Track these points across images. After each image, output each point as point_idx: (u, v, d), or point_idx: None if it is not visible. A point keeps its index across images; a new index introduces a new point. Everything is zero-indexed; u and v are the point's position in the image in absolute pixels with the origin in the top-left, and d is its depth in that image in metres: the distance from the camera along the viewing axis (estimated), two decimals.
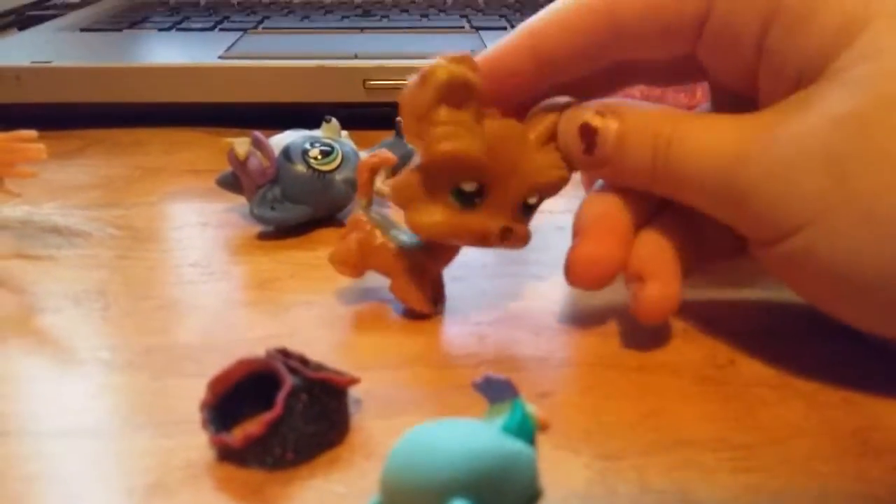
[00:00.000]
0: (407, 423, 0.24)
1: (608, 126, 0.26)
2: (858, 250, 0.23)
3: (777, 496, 0.21)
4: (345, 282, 0.33)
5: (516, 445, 0.18)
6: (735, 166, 0.24)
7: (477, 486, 0.17)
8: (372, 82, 0.53)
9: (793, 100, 0.24)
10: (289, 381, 0.22)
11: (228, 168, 0.39)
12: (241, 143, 0.37)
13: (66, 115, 0.55)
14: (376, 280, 0.34)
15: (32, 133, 0.36)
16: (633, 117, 0.26)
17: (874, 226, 0.22)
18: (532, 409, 0.19)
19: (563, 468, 0.22)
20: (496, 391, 0.20)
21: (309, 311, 0.31)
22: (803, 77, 0.24)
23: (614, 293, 0.32)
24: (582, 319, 0.30)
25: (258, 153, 0.37)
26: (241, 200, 0.40)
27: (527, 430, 0.19)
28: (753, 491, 0.21)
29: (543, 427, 0.20)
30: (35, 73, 0.54)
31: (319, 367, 0.24)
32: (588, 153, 0.27)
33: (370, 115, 0.50)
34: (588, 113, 0.27)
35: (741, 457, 0.23)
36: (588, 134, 0.26)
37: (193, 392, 0.23)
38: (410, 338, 0.29)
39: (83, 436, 0.24)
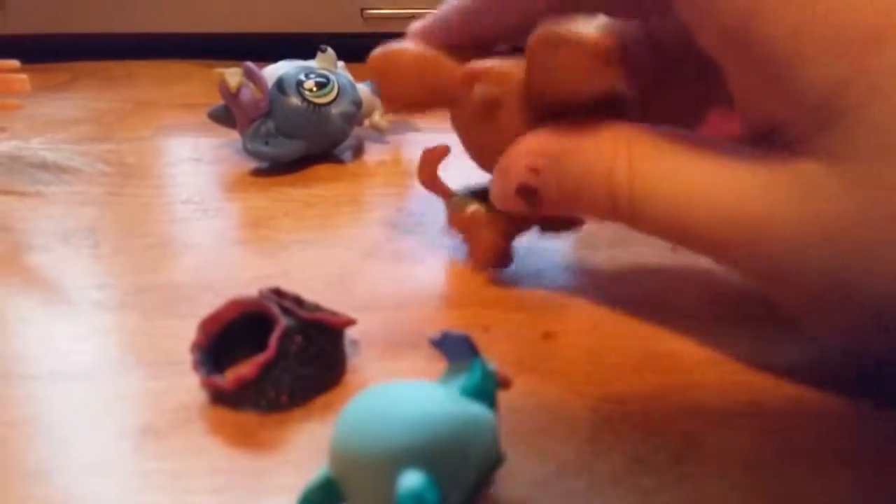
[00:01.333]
0: (405, 366, 0.23)
1: (548, 181, 0.23)
2: None
3: (787, 441, 0.20)
4: (341, 220, 0.32)
5: (474, 409, 0.17)
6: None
7: (432, 454, 0.16)
8: (370, 11, 0.51)
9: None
10: (282, 322, 0.21)
11: (221, 101, 0.38)
12: (232, 74, 0.35)
13: (54, 47, 0.53)
14: (374, 219, 0.33)
15: (14, 63, 0.34)
16: (575, 158, 0.22)
17: None
18: (493, 367, 0.18)
19: (568, 411, 0.21)
20: (455, 349, 0.18)
21: (304, 251, 0.30)
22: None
23: (619, 233, 0.31)
24: (587, 258, 0.29)
25: (250, 85, 0.36)
26: (235, 135, 0.38)
27: (487, 392, 0.18)
28: (762, 435, 0.21)
29: (506, 385, 0.19)
30: (21, 2, 0.52)
31: (314, 308, 0.23)
32: (534, 208, 0.24)
33: (368, 46, 0.48)
34: (521, 171, 0.23)
35: (751, 401, 0.22)
36: (528, 194, 0.24)
37: (186, 332, 0.22)
38: (409, 278, 0.28)
39: (73, 378, 0.23)
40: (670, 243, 0.23)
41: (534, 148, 0.23)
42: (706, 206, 0.21)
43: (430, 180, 0.28)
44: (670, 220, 0.21)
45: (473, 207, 0.27)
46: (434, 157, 0.28)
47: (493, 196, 0.25)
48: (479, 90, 0.24)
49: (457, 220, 0.28)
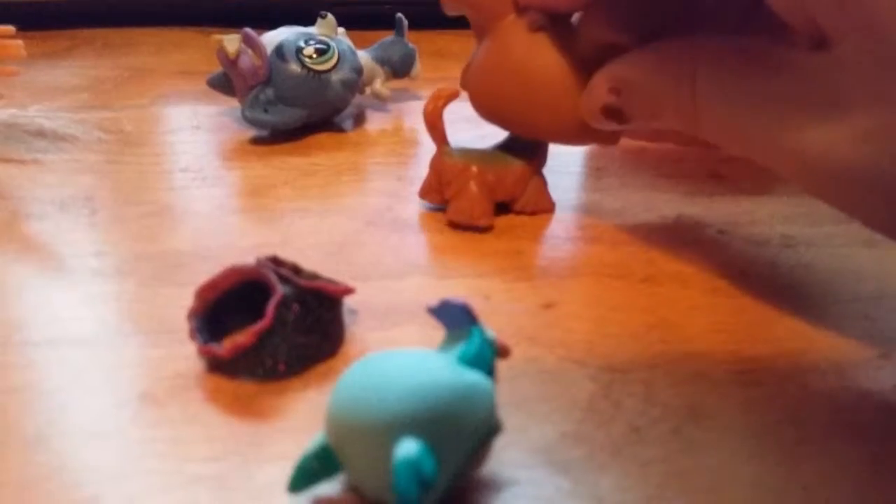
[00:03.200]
0: (404, 335, 0.23)
1: (629, 101, 0.25)
2: None
3: (787, 410, 0.20)
4: (341, 189, 0.32)
5: (472, 377, 0.17)
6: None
7: (428, 422, 0.15)
8: None
9: None
10: (279, 290, 0.21)
11: (220, 69, 0.37)
12: (230, 41, 0.35)
13: (53, 14, 0.52)
14: (374, 188, 0.32)
15: (10, 28, 0.34)
16: (650, 78, 0.24)
17: None
18: (492, 335, 0.18)
19: (568, 380, 0.21)
20: (453, 317, 0.18)
21: (304, 219, 0.30)
22: None
23: (623, 203, 0.31)
24: (588, 227, 0.29)
25: (249, 51, 0.35)
26: (234, 103, 0.38)
27: (485, 360, 0.17)
28: (762, 405, 0.20)
29: (505, 354, 0.18)
30: None
31: (313, 277, 0.23)
32: (623, 124, 0.26)
33: (369, 13, 0.47)
34: (603, 94, 0.25)
35: (751, 370, 0.22)
36: (613, 114, 0.25)
37: (184, 301, 0.22)
38: (409, 247, 0.28)
39: (70, 345, 0.23)
40: (736, 153, 0.24)
41: (615, 72, 0.25)
42: (760, 125, 0.22)
43: (434, 117, 0.29)
44: (734, 127, 0.23)
45: (465, 160, 0.28)
46: (445, 94, 0.29)
47: (584, 115, 0.26)
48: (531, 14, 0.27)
49: (448, 168, 0.28)
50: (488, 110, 0.28)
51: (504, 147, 0.29)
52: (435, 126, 0.29)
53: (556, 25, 0.27)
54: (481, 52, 0.28)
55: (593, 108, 0.26)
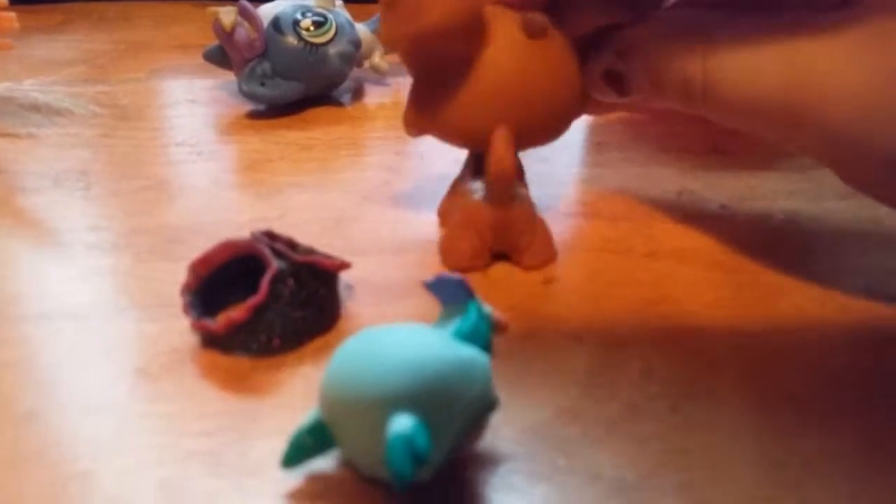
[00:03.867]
0: (401, 311, 0.23)
1: (633, 68, 0.24)
2: None
3: (787, 387, 0.20)
4: (338, 164, 0.32)
5: (467, 352, 0.16)
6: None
7: (423, 398, 0.15)
8: None
9: None
10: (274, 264, 0.21)
11: (217, 42, 0.37)
12: (226, 13, 0.34)
13: None
14: (372, 162, 0.32)
15: (3, 1, 0.33)
16: (656, 53, 0.23)
17: None
18: (489, 310, 0.18)
19: (566, 356, 0.21)
20: (449, 292, 0.18)
21: (301, 194, 0.29)
22: None
23: (624, 178, 0.30)
24: (588, 203, 0.29)
25: (245, 24, 0.34)
26: (231, 77, 0.37)
27: (481, 335, 0.17)
28: (762, 381, 0.20)
29: (501, 330, 0.18)
30: None
31: (309, 251, 0.22)
32: (623, 96, 0.24)
33: None
34: (608, 56, 0.24)
35: (751, 346, 0.21)
36: (614, 80, 0.24)
37: (178, 275, 0.22)
38: (406, 222, 0.28)
39: (65, 319, 0.23)
40: (741, 126, 0.23)
41: (624, 35, 0.24)
42: (775, 73, 0.21)
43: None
44: (742, 95, 0.22)
45: (477, 198, 0.24)
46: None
47: (585, 82, 0.24)
48: (531, 15, 0.24)
49: (519, 216, 0.24)
50: (479, 133, 0.23)
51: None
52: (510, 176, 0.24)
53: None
54: (465, 79, 0.23)
55: (596, 71, 0.24)
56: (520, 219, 0.24)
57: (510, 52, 0.23)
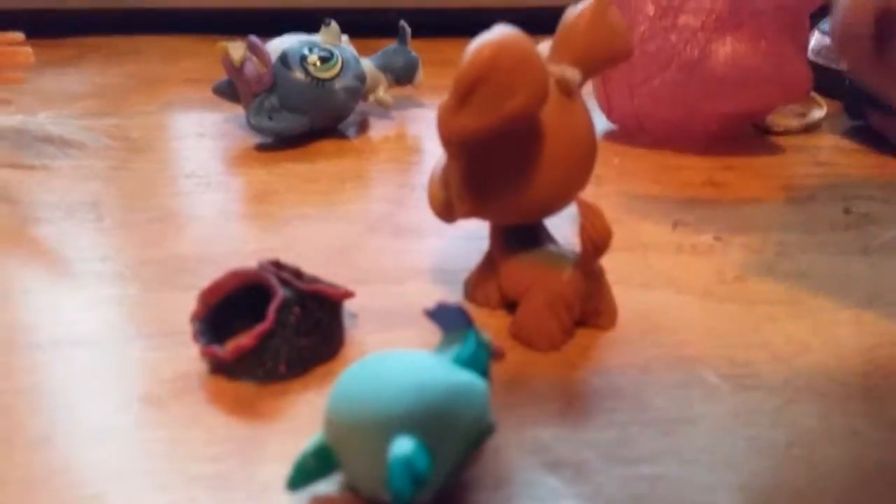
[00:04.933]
0: (402, 338, 0.24)
1: None
2: None
3: (777, 414, 0.20)
4: (343, 195, 0.32)
5: (466, 378, 0.17)
6: None
7: (423, 421, 0.16)
8: None
9: None
10: (280, 293, 0.22)
11: (226, 76, 0.38)
12: (235, 48, 0.35)
13: (62, 22, 0.53)
14: (376, 194, 0.33)
15: (19, 35, 0.34)
16: None
17: None
18: (487, 337, 0.18)
19: (562, 383, 0.22)
20: (449, 320, 0.18)
21: (306, 225, 0.30)
22: None
23: (620, 210, 0.31)
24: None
25: (254, 59, 0.35)
26: (239, 110, 0.38)
27: (480, 361, 0.18)
28: (755, 410, 0.21)
29: (500, 357, 0.19)
30: None
31: (314, 281, 0.23)
32: (880, 43, 0.20)
33: (373, 22, 0.48)
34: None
35: (743, 374, 0.22)
36: (887, 19, 0.20)
37: (186, 304, 0.23)
38: (409, 252, 0.28)
39: (75, 347, 0.23)
40: None
41: None
42: None
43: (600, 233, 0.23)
44: None
45: (569, 273, 0.23)
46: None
47: (849, 14, 0.21)
48: (560, 71, 0.22)
49: (552, 282, 0.23)
50: (548, 201, 0.23)
51: (544, 245, 0.25)
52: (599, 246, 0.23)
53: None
54: (528, 152, 0.22)
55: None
56: (599, 283, 0.24)
57: (562, 116, 0.22)
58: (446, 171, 0.23)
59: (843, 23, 0.20)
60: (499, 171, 0.22)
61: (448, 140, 0.21)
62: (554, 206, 0.23)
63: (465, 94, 0.20)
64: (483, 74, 0.20)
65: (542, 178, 0.22)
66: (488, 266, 0.25)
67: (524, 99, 0.20)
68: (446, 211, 0.24)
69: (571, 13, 0.22)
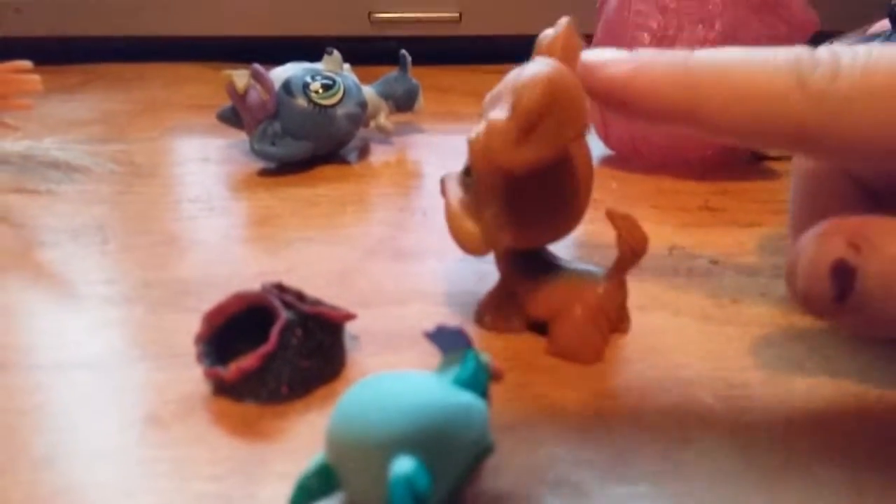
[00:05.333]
0: (403, 359, 0.24)
1: (868, 263, 0.18)
2: None
3: (773, 434, 0.21)
4: (345, 219, 0.33)
5: (466, 398, 0.17)
6: None
7: (423, 441, 0.16)
8: (377, 15, 0.52)
9: None
10: (283, 315, 0.22)
11: (230, 103, 0.38)
12: (240, 76, 0.36)
13: (67, 49, 0.54)
14: (377, 218, 0.33)
15: (27, 63, 0.35)
16: (893, 249, 0.19)
17: None
18: (486, 359, 0.19)
19: (560, 404, 0.22)
20: (449, 341, 0.19)
21: (308, 248, 0.30)
22: None
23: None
24: (583, 257, 0.30)
25: (258, 86, 0.36)
26: (243, 136, 0.39)
27: (480, 382, 0.18)
28: (751, 431, 0.21)
29: (498, 378, 0.19)
30: (36, 6, 0.53)
31: (316, 303, 0.23)
32: (840, 301, 0.19)
33: (375, 50, 0.48)
34: (839, 244, 0.19)
35: (739, 396, 0.22)
36: (843, 276, 0.19)
37: (190, 326, 0.23)
38: (409, 276, 0.29)
39: (80, 369, 0.24)
40: None
41: (852, 225, 0.19)
42: None
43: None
44: None
45: (604, 286, 0.24)
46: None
47: (797, 274, 0.20)
48: None
49: (590, 297, 0.24)
50: (572, 225, 0.24)
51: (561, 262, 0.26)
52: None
53: None
54: (560, 180, 0.23)
55: (820, 259, 0.19)
56: (625, 290, 0.25)
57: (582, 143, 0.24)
58: (478, 204, 0.24)
59: (802, 286, 0.19)
60: (538, 196, 0.23)
61: (509, 172, 0.22)
62: (579, 223, 0.25)
63: (530, 128, 0.21)
64: (546, 108, 0.21)
65: (575, 197, 0.24)
66: (503, 293, 0.26)
67: (581, 126, 0.22)
68: (482, 244, 0.24)
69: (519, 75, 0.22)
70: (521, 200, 0.23)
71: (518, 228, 0.24)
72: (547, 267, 0.25)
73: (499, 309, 0.26)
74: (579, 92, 0.21)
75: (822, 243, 0.19)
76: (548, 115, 0.21)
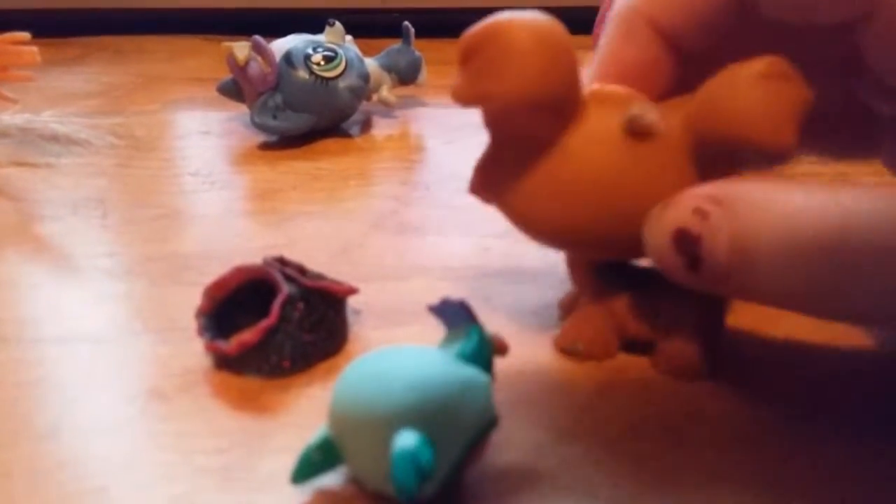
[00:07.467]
0: (406, 335, 0.24)
1: (715, 232, 0.17)
2: None
3: (783, 409, 0.21)
4: (347, 193, 0.33)
5: (469, 372, 0.17)
6: None
7: (427, 415, 0.16)
8: None
9: None
10: (284, 289, 0.22)
11: (230, 75, 0.38)
12: (240, 48, 0.36)
13: (67, 22, 0.53)
14: (379, 192, 0.33)
15: (25, 35, 0.35)
16: (751, 212, 0.17)
17: None
18: (491, 334, 0.18)
19: (565, 379, 0.22)
20: (453, 316, 0.18)
21: (310, 222, 0.30)
22: None
23: None
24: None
25: (259, 58, 0.36)
26: (244, 109, 0.39)
27: (484, 357, 0.18)
28: (758, 404, 0.21)
29: (502, 352, 0.19)
30: None
31: (318, 277, 0.23)
32: (692, 270, 0.18)
33: (377, 22, 0.48)
34: (684, 211, 0.18)
35: (747, 370, 0.22)
36: (686, 244, 0.18)
37: (192, 300, 0.23)
38: (412, 249, 0.28)
39: (81, 342, 0.23)
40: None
41: (705, 191, 0.18)
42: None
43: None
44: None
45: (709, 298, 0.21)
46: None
47: (648, 247, 0.19)
48: (639, 110, 0.19)
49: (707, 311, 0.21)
50: (543, 226, 0.21)
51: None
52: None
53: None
54: (539, 165, 0.20)
55: (663, 230, 0.18)
56: None
57: (599, 148, 0.19)
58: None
59: (654, 257, 0.19)
60: (506, 168, 0.21)
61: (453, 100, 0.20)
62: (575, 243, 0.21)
63: (460, 61, 0.19)
64: (475, 46, 0.19)
65: (545, 200, 0.20)
66: (599, 314, 0.22)
67: (506, 87, 0.18)
68: (470, 187, 0.22)
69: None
70: (502, 162, 0.20)
71: (497, 193, 0.21)
72: (637, 275, 0.22)
73: (599, 333, 0.22)
74: (533, 53, 0.18)
75: (667, 211, 0.18)
76: (474, 55, 0.19)
